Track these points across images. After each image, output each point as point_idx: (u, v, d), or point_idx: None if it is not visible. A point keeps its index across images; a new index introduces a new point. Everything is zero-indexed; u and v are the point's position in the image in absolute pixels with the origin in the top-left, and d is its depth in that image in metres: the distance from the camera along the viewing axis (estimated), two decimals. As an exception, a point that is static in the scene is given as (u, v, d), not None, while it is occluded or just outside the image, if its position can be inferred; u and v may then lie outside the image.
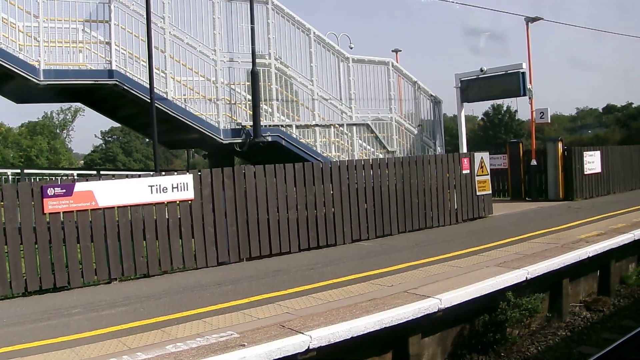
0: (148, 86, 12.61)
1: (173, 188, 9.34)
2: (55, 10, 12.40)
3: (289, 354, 5.58)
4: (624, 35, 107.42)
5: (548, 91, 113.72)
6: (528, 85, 17.70)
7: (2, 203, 8.09)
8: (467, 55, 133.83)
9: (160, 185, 9.21)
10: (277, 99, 15.28)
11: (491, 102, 57.09)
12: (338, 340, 5.96)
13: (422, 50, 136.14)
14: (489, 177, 14.43)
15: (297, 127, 15.55)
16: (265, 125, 14.64)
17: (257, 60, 14.40)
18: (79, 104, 39.46)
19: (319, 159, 14.69)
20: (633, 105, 69.33)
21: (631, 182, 20.84)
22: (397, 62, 18.85)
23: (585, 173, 18.32)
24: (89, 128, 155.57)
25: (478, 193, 14.04)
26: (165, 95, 13.40)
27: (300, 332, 5.82)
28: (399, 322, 6.52)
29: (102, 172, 27.99)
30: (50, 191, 8.30)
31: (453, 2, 20.27)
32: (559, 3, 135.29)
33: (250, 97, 14.50)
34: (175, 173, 9.81)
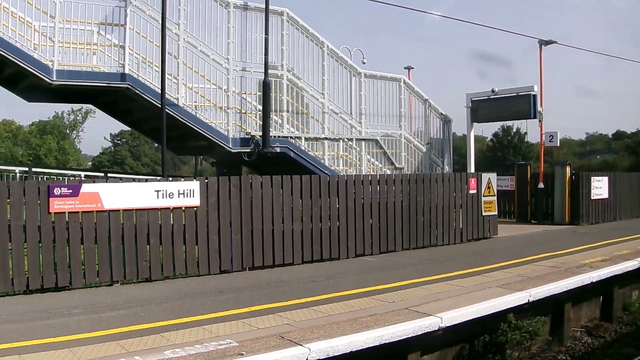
0: (159, 91, 12.69)
1: (179, 194, 9.34)
2: (72, 12, 12.57)
3: (287, 365, 5.56)
4: (636, 62, 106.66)
5: (557, 115, 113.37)
6: (539, 108, 17.69)
7: (8, 200, 8.13)
8: (473, 78, 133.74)
9: (166, 191, 9.22)
10: (288, 111, 15.35)
11: (501, 123, 57.19)
12: (337, 354, 5.92)
13: (430, 71, 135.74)
14: (495, 198, 14.38)
15: (306, 139, 15.60)
16: (275, 136, 14.69)
17: (270, 71, 14.51)
18: (90, 106, 39.69)
19: (326, 172, 14.72)
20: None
21: (638, 209, 20.70)
22: (409, 79, 18.91)
23: (592, 198, 18.24)
24: (98, 130, 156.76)
25: (484, 213, 14.00)
26: (176, 101, 13.49)
27: (300, 344, 5.80)
28: (399, 339, 6.48)
29: (109, 175, 28.08)
30: (56, 191, 8.33)
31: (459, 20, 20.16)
32: (564, 32, 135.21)
33: (260, 107, 14.57)
34: (182, 179, 9.84)
